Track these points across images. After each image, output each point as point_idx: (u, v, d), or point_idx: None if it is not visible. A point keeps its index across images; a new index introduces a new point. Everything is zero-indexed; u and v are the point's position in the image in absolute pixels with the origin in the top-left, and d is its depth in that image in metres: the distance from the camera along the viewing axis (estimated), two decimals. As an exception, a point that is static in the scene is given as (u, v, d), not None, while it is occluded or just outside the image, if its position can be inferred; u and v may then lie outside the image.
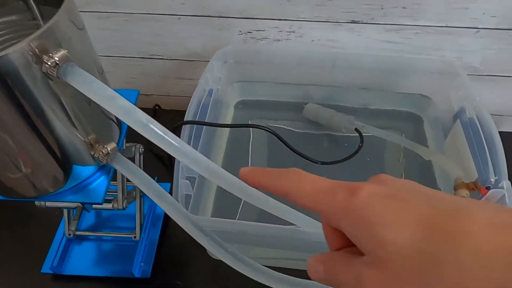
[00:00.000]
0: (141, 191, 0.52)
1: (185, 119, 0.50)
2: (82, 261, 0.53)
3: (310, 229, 0.39)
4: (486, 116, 0.50)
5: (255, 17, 0.61)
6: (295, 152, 0.55)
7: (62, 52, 0.27)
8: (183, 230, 0.55)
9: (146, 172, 0.53)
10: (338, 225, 0.19)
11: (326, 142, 0.63)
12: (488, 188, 0.45)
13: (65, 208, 0.49)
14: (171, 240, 0.56)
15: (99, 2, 0.60)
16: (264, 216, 0.40)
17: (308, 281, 0.35)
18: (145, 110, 0.75)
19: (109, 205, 0.47)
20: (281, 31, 0.62)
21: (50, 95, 0.30)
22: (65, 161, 0.35)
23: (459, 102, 0.55)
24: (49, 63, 0.26)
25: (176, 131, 0.53)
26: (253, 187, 0.22)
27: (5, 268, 0.54)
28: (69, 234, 0.53)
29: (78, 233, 0.54)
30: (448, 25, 0.59)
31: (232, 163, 0.60)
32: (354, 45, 0.63)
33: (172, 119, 0.67)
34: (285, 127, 0.65)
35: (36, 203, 0.47)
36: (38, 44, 0.26)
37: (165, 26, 0.63)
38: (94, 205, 0.48)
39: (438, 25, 0.59)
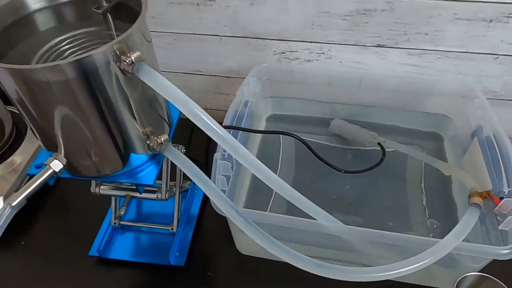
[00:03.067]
0: (180, 187, 0.58)
1: (223, 124, 0.56)
2: (124, 248, 0.59)
3: (328, 223, 0.44)
4: (502, 134, 0.54)
5: (289, 39, 0.67)
6: (321, 160, 0.60)
7: (137, 53, 0.34)
8: (214, 229, 0.61)
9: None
10: None
11: (350, 155, 0.68)
12: (501, 198, 0.48)
13: (115, 196, 0.56)
14: (203, 238, 0.61)
15: (154, 23, 0.68)
16: (291, 213, 0.45)
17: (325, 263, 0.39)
18: (184, 120, 0.82)
19: (153, 195, 0.53)
20: (312, 52, 0.69)
21: (120, 91, 0.37)
22: (125, 149, 0.42)
23: (477, 121, 0.59)
24: (127, 61, 0.33)
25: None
26: None
27: (56, 250, 0.60)
28: (115, 223, 0.60)
29: (122, 222, 0.61)
30: (468, 51, 0.63)
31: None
32: (379, 67, 0.68)
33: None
34: (313, 140, 0.70)
35: (91, 189, 0.54)
36: (119, 47, 0.33)
37: (208, 45, 0.71)
38: (141, 196, 0.54)
39: (458, 50, 0.63)
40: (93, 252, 0.57)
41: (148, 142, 0.42)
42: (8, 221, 0.37)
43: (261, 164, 0.39)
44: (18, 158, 0.67)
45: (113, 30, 0.42)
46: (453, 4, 0.58)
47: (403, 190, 0.62)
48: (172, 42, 0.71)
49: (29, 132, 0.71)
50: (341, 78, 0.69)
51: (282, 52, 0.70)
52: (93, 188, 0.54)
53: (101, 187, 0.54)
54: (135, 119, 0.40)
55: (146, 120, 0.42)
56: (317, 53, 0.69)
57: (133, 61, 0.34)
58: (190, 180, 0.65)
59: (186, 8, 0.66)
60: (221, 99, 0.80)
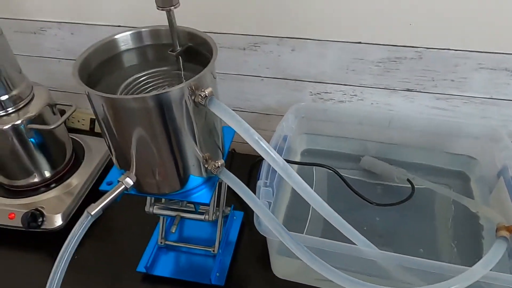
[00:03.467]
0: (223, 212, 0.64)
1: (265, 155, 0.62)
2: (168, 265, 0.64)
3: (366, 248, 0.48)
4: (527, 174, 0.58)
5: (324, 81, 0.74)
6: (354, 192, 0.64)
7: (210, 89, 0.41)
8: (251, 253, 0.65)
9: (227, 199, 0.64)
10: None
11: (379, 189, 0.72)
12: (527, 233, 0.51)
13: (167, 215, 0.61)
14: (240, 261, 0.66)
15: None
16: (326, 237, 0.50)
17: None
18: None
19: (201, 217, 0.58)
20: (345, 94, 0.75)
21: (188, 119, 0.43)
22: (185, 171, 0.48)
23: (502, 161, 0.63)
24: (201, 95, 0.40)
25: (257, 165, 0.65)
26: None
27: (106, 265, 0.66)
28: (161, 243, 0.65)
29: (167, 242, 0.66)
30: (493, 97, 0.68)
31: (298, 198, 0.70)
32: (408, 109, 0.74)
33: (245, 160, 0.81)
34: (344, 174, 0.75)
35: (146, 208, 0.59)
36: (195, 84, 0.41)
37: (250, 85, 0.78)
38: (191, 217, 0.59)
39: (484, 96, 0.69)
40: (141, 268, 0.62)
41: (206, 166, 0.48)
42: (88, 227, 0.43)
43: (309, 188, 0.44)
44: (75, 181, 0.74)
45: (182, 70, 0.49)
46: (478, 54, 0.64)
47: (431, 224, 0.65)
48: (219, 81, 0.79)
49: (86, 158, 0.78)
50: (372, 118, 0.74)
51: (318, 93, 0.76)
52: (147, 208, 0.59)
53: (155, 207, 0.60)
54: (197, 145, 0.46)
55: (206, 146, 0.48)
56: (350, 95, 0.75)
57: (207, 95, 0.40)
58: (230, 206, 0.70)
59: (233, 52, 0.74)
60: (260, 134, 0.86)
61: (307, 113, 0.76)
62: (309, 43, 0.69)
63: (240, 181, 0.47)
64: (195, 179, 0.49)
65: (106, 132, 0.45)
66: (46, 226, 0.67)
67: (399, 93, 0.72)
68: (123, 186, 0.46)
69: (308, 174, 0.75)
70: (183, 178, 0.48)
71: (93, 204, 0.44)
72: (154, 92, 0.39)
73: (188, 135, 0.44)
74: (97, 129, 0.93)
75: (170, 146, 0.45)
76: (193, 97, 0.41)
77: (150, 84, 0.47)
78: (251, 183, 0.74)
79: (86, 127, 0.93)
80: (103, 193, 0.47)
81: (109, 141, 0.46)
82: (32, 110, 0.66)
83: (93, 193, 0.74)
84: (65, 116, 0.68)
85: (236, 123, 0.41)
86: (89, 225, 0.43)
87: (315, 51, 0.70)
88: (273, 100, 0.80)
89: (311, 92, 0.77)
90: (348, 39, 0.67)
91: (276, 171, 0.62)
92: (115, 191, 0.46)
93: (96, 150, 0.80)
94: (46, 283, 0.42)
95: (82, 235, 0.43)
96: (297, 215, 0.68)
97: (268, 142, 0.65)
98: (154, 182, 0.48)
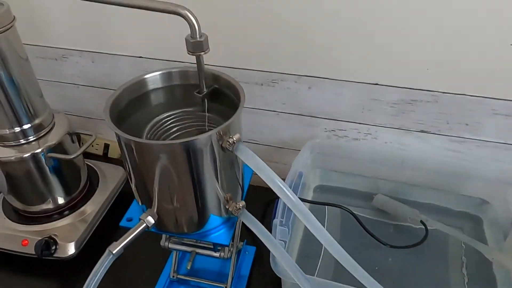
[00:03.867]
0: (236, 249, 0.64)
1: (281, 193, 0.62)
2: (179, 301, 0.63)
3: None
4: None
5: (339, 119, 0.75)
6: (368, 232, 0.64)
7: (238, 135, 0.42)
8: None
9: (241, 234, 0.64)
10: None
11: (392, 229, 0.72)
12: (544, 285, 0.51)
13: (183, 251, 0.61)
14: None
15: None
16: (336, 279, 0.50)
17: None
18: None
19: (217, 254, 0.58)
20: (359, 132, 0.76)
21: (213, 164, 0.44)
22: (206, 211, 0.48)
23: (517, 208, 0.63)
24: (229, 141, 0.41)
25: (272, 203, 0.66)
26: None
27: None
28: (173, 276, 0.65)
29: (179, 276, 0.65)
30: (507, 142, 0.69)
31: (310, 236, 0.70)
32: (421, 149, 0.74)
33: (260, 193, 0.81)
34: (355, 212, 0.75)
35: (161, 243, 0.59)
36: (223, 130, 0.41)
37: (265, 119, 0.80)
38: (206, 253, 0.59)
39: (497, 141, 0.69)
40: (153, 302, 0.62)
41: (227, 207, 0.48)
42: (109, 266, 0.43)
43: (328, 234, 0.44)
44: (89, 208, 0.74)
45: (206, 111, 0.51)
46: (492, 101, 0.65)
47: (444, 267, 0.65)
48: (235, 114, 0.80)
49: (100, 185, 0.79)
50: (385, 156, 0.75)
51: (332, 130, 0.77)
52: (163, 242, 0.59)
53: (170, 241, 0.60)
54: (219, 185, 0.47)
55: (228, 186, 0.48)
56: (364, 133, 0.76)
57: (234, 141, 0.41)
58: (243, 241, 0.70)
59: (251, 88, 0.75)
60: (271, 166, 0.87)
61: (321, 149, 0.77)
62: (327, 82, 0.71)
63: (260, 224, 0.48)
64: (215, 220, 0.49)
65: (131, 170, 0.45)
66: (59, 254, 0.66)
67: (413, 134, 0.73)
68: (144, 225, 0.46)
69: (321, 211, 0.75)
70: (204, 218, 0.49)
71: (115, 243, 0.45)
72: (183, 139, 0.40)
73: (212, 177, 0.45)
74: (110, 154, 0.94)
75: (193, 187, 0.45)
76: (220, 143, 0.42)
77: (176, 125, 0.48)
78: (265, 218, 0.75)
79: (100, 152, 0.94)
80: (122, 229, 0.48)
81: (133, 178, 0.46)
82: (52, 139, 0.67)
83: (107, 221, 0.74)
84: (84, 146, 0.68)
85: (262, 172, 0.42)
86: (110, 264, 0.44)
87: (332, 90, 0.71)
88: (287, 135, 0.81)
89: (325, 128, 0.77)
90: (365, 80, 0.69)
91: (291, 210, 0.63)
92: (136, 229, 0.46)
93: (110, 177, 0.80)
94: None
95: (104, 274, 0.43)
96: (309, 253, 0.67)
97: (283, 178, 0.66)
98: (175, 221, 0.48)
